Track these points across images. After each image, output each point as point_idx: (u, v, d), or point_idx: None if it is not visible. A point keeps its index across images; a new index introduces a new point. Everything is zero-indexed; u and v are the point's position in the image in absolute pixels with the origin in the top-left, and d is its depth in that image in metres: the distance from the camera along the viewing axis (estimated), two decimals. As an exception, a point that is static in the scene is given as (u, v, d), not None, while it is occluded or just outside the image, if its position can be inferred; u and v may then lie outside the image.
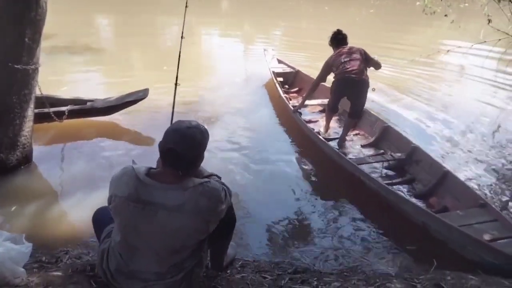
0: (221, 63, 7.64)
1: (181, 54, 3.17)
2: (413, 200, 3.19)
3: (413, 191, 3.44)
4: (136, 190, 1.50)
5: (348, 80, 3.93)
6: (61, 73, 6.02)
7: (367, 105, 4.53)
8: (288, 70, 6.03)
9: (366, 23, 11.52)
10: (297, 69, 5.98)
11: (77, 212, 2.92)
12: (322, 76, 4.24)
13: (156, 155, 1.65)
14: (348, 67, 3.92)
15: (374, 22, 11.89)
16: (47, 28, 3.24)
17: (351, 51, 4.04)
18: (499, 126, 5.12)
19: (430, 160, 3.56)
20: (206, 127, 1.67)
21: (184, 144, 1.51)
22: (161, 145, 1.55)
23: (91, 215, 1.95)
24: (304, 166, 3.94)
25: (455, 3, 5.63)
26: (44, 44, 3.30)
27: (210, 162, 3.73)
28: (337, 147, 4.15)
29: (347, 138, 4.34)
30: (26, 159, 3.49)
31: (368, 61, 4.06)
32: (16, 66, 3.06)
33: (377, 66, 4.16)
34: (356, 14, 12.75)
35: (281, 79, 5.69)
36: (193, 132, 1.54)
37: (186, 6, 3.38)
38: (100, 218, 1.90)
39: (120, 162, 3.49)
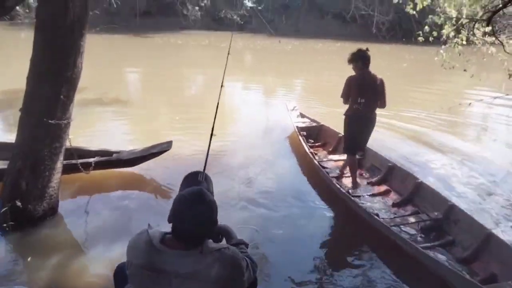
0: (243, 114, 7.83)
1: (211, 104, 3.21)
2: (455, 266, 2.98)
3: (454, 255, 3.20)
4: (150, 258, 1.49)
5: (361, 118, 4.07)
6: (91, 125, 6.29)
7: (396, 160, 4.51)
8: (311, 124, 6.03)
9: (396, 77, 11.71)
10: (321, 123, 6.01)
11: (98, 266, 2.92)
12: (346, 93, 4.16)
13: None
14: (362, 102, 3.99)
15: (405, 77, 12.01)
16: (79, 82, 3.44)
17: (370, 83, 4.01)
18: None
19: (469, 220, 3.35)
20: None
21: (193, 225, 1.49)
22: (170, 222, 1.54)
23: (112, 270, 1.95)
24: (331, 224, 3.87)
25: (473, 58, 5.67)
26: (76, 97, 3.49)
27: (230, 214, 3.76)
28: (348, 189, 4.19)
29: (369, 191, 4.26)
30: (53, 210, 3.57)
31: (380, 96, 4.07)
32: (50, 121, 3.23)
33: (383, 104, 4.14)
34: (388, 68, 12.99)
35: (304, 133, 5.67)
36: (201, 211, 1.52)
37: (228, 54, 3.50)
38: (121, 275, 1.88)
39: (140, 218, 3.58)
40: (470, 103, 5.86)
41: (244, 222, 3.70)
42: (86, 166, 4.06)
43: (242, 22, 22.73)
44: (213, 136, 2.77)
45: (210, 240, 1.60)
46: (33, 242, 3.22)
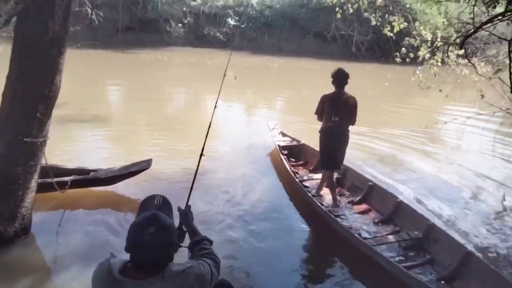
0: (225, 131, 7.83)
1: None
2: (436, 285, 3.01)
3: (435, 274, 3.24)
4: None
5: (334, 135, 4.22)
6: (68, 142, 6.16)
7: (376, 177, 4.57)
8: (292, 143, 6.06)
9: (377, 95, 11.97)
10: (302, 141, 6.05)
11: (70, 291, 2.81)
12: (320, 110, 4.32)
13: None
14: (335, 120, 4.15)
15: (386, 95, 12.28)
16: (57, 99, 3.38)
17: (344, 103, 4.16)
18: (503, 199, 5.08)
19: (449, 239, 3.42)
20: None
21: (150, 253, 1.42)
22: (128, 252, 1.46)
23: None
24: (312, 242, 3.88)
25: (448, 78, 5.88)
26: (54, 113, 3.42)
27: (214, 231, 3.72)
28: (329, 207, 4.24)
29: (355, 213, 4.28)
30: (25, 230, 3.44)
31: (352, 117, 4.23)
32: (25, 139, 3.15)
33: (353, 123, 4.29)
34: (370, 87, 13.26)
35: (286, 152, 5.71)
36: (157, 237, 1.42)
37: (224, 75, 3.51)
38: None
39: (117, 239, 3.49)
40: (445, 122, 6.04)
41: (227, 238, 3.68)
42: (62, 185, 3.97)
43: (225, 40, 22.95)
44: (200, 156, 2.77)
45: (173, 262, 1.54)
46: (2, 264, 3.09)
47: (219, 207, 4.33)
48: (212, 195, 4.59)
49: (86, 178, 4.25)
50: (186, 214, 2.07)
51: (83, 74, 12.29)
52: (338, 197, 4.50)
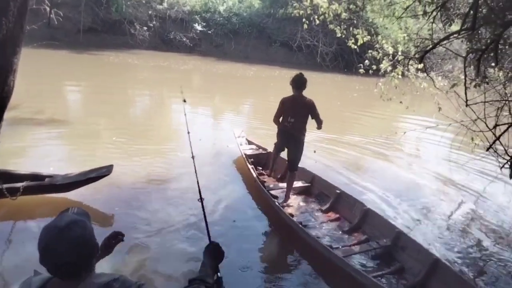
0: (190, 137, 7.70)
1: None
2: None
3: (404, 282, 3.28)
4: None
5: (287, 134, 4.48)
6: (22, 145, 5.81)
7: (343, 187, 4.64)
8: (259, 151, 6.01)
9: (344, 106, 12.25)
10: (268, 150, 6.00)
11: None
12: (278, 114, 4.56)
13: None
14: (291, 121, 4.40)
15: (351, 106, 12.59)
16: (11, 98, 3.17)
17: (301, 105, 4.41)
18: (459, 207, 5.33)
19: (417, 246, 3.49)
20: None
21: (60, 254, 1.25)
22: (41, 260, 1.27)
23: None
24: (279, 251, 3.87)
25: (408, 90, 6.13)
26: (6, 115, 3.21)
27: (178, 240, 3.61)
28: (281, 204, 4.37)
29: (324, 223, 4.30)
30: (-31, 241, 3.19)
31: (313, 116, 4.45)
32: (-28, 143, 2.93)
33: (319, 123, 4.49)
34: (339, 97, 13.52)
35: (252, 160, 5.67)
36: (67, 235, 1.26)
37: (184, 101, 3.48)
38: None
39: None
40: (404, 132, 6.29)
41: (192, 249, 3.58)
42: (14, 192, 3.73)
43: (191, 45, 22.74)
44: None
45: (98, 273, 1.37)
46: None
47: (184, 215, 4.22)
48: (177, 203, 4.49)
49: (40, 185, 4.01)
50: (210, 251, 1.73)
51: (40, 74, 11.69)
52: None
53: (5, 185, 3.63)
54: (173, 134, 7.86)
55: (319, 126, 4.52)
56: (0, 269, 3.10)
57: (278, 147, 4.84)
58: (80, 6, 20.10)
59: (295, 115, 4.41)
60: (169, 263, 3.38)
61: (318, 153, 6.54)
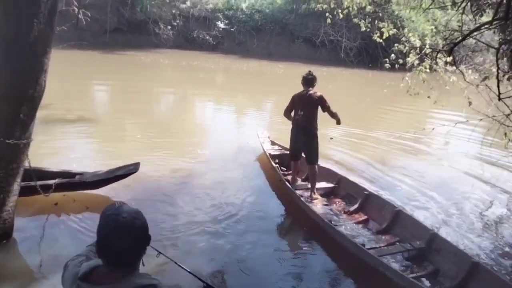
0: (214, 135, 7.77)
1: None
2: None
3: (440, 286, 3.16)
4: None
5: (299, 127, 4.69)
6: (53, 144, 6.02)
7: (371, 184, 4.63)
8: (283, 152, 5.86)
9: (370, 102, 12.04)
10: None
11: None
12: (288, 108, 4.84)
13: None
14: (301, 114, 4.63)
15: (377, 101, 12.36)
16: (42, 99, 3.28)
17: (308, 99, 4.62)
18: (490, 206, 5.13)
19: (453, 248, 3.35)
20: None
21: (127, 240, 1.30)
22: (99, 245, 1.32)
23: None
24: (311, 252, 3.80)
25: (436, 85, 5.93)
26: (38, 114, 3.32)
27: (201, 236, 3.65)
28: (307, 201, 4.35)
29: (352, 223, 4.21)
30: (6, 235, 3.34)
31: (324, 109, 4.63)
32: (7, 141, 3.05)
33: (334, 116, 4.69)
34: (369, 93, 13.29)
35: (277, 160, 5.59)
36: (133, 223, 1.32)
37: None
38: None
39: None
40: (433, 128, 6.10)
41: (215, 246, 3.62)
42: (46, 188, 3.86)
43: (214, 43, 22.87)
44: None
45: (141, 273, 1.39)
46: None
47: (208, 212, 4.26)
48: (201, 199, 4.54)
49: (71, 182, 4.14)
50: None
51: (69, 74, 12.06)
52: (315, 193, 4.72)
53: (38, 182, 3.76)
54: (197, 132, 7.95)
55: (335, 118, 4.69)
56: (37, 261, 3.22)
57: (293, 149, 4.91)
58: (107, 7, 20.58)
59: (304, 108, 4.64)
60: (193, 259, 3.41)
61: (343, 150, 6.47)
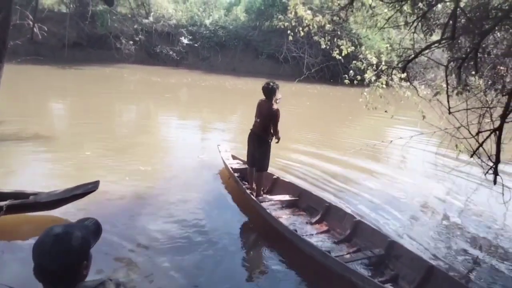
0: (176, 151, 7.66)
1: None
2: None
3: None
4: None
5: (254, 134, 4.94)
6: (5, 163, 5.70)
7: (331, 198, 4.79)
8: (244, 166, 5.86)
9: (329, 116, 12.34)
10: None
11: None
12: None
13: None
14: (257, 121, 4.90)
15: (336, 116, 12.67)
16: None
17: (265, 109, 4.82)
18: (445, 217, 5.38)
19: (410, 254, 3.52)
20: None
21: (56, 259, 1.26)
22: (34, 268, 1.28)
23: None
24: (274, 261, 3.82)
25: (393, 100, 6.22)
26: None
27: (166, 254, 3.56)
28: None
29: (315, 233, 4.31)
30: (-51, 263, 3.08)
31: (271, 123, 4.80)
32: (-48, 161, 2.86)
33: (276, 134, 4.86)
34: (330, 108, 13.50)
35: (238, 174, 5.60)
36: (64, 239, 1.29)
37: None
38: None
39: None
40: (391, 141, 6.35)
41: (179, 264, 3.54)
42: (-4, 211, 3.62)
43: (178, 58, 22.78)
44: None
45: (85, 281, 1.36)
46: None
47: (171, 230, 4.17)
48: (164, 216, 4.44)
49: (24, 203, 3.92)
50: None
51: (24, 90, 11.54)
52: (262, 193, 4.99)
53: (-13, 204, 3.53)
54: (158, 148, 7.82)
55: (276, 137, 4.88)
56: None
57: (248, 155, 5.12)
58: (65, 21, 20.03)
59: (260, 117, 4.88)
60: (158, 280, 3.31)
61: (304, 163, 6.58)
